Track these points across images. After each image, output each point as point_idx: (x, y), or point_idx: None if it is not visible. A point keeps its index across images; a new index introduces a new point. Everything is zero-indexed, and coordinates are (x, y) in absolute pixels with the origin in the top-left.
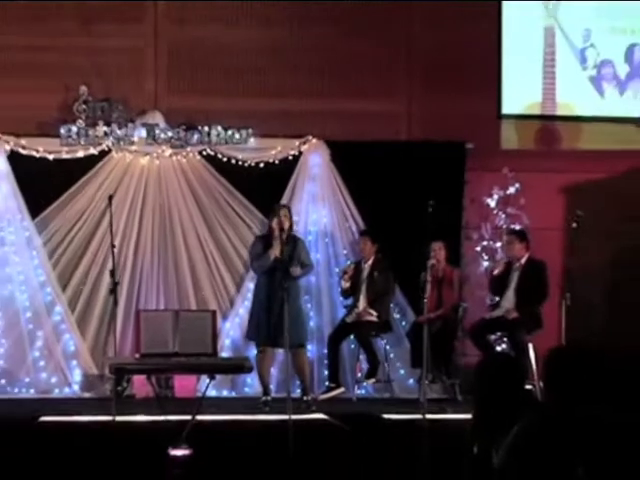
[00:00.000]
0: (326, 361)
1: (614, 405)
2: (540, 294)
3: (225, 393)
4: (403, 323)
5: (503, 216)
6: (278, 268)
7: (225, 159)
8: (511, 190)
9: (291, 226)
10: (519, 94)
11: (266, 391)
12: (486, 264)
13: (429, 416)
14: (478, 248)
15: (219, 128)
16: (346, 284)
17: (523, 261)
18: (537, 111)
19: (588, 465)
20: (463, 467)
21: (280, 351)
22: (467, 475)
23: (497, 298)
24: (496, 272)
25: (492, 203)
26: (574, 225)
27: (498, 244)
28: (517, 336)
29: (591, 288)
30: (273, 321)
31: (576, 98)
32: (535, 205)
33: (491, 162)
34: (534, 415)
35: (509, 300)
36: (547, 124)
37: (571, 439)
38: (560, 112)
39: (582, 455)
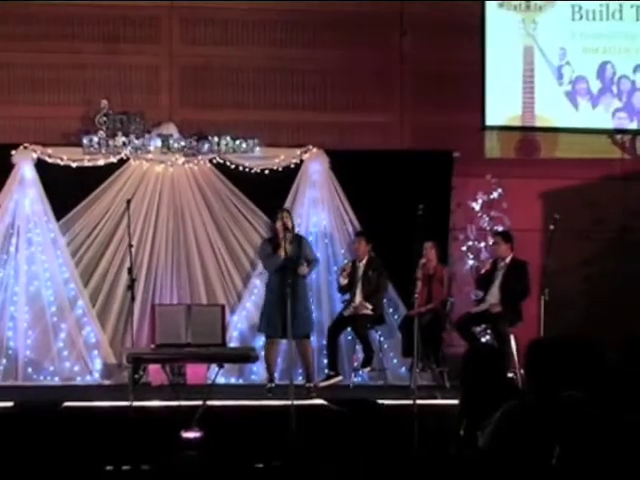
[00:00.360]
0: (325, 351)
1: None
2: (522, 291)
3: (233, 380)
4: (395, 317)
5: (487, 219)
6: (287, 266)
7: (233, 166)
8: (494, 195)
9: (293, 226)
10: (501, 107)
11: (271, 378)
12: (471, 262)
13: (419, 401)
14: (464, 248)
15: (228, 138)
16: (344, 281)
17: (508, 260)
18: (518, 123)
19: (564, 446)
20: (450, 448)
21: (284, 341)
22: (454, 455)
23: (481, 293)
24: (483, 271)
25: (477, 207)
26: (551, 227)
27: (482, 244)
28: (500, 328)
29: (567, 284)
30: (284, 314)
31: (553, 111)
32: (516, 208)
33: (476, 169)
34: (515, 401)
35: (494, 295)
36: (527, 135)
37: (549, 423)
38: (538, 124)
39: (559, 437)
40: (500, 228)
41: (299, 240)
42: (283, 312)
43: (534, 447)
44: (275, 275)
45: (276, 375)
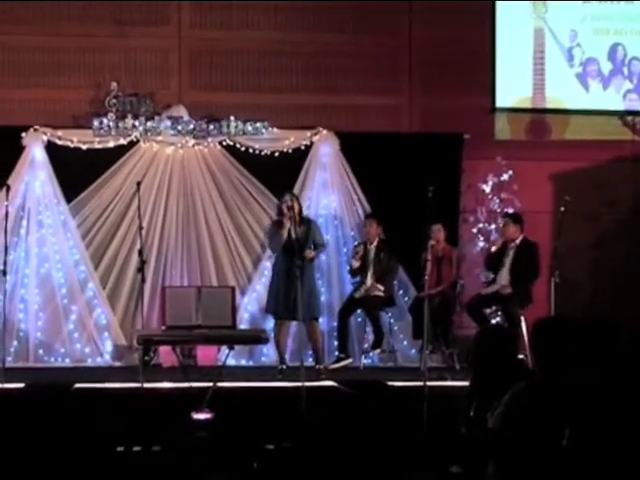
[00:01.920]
0: (336, 333)
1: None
2: (532, 273)
3: (243, 362)
4: (406, 298)
5: (497, 201)
6: (293, 248)
7: (243, 149)
8: (504, 177)
9: (300, 209)
10: (511, 89)
11: (282, 360)
12: (482, 244)
13: (429, 383)
14: (474, 230)
15: (237, 120)
16: (356, 263)
17: (518, 242)
18: (528, 105)
19: (574, 426)
20: (460, 429)
21: (295, 323)
22: (464, 436)
23: (491, 275)
24: (493, 249)
25: (487, 189)
26: (562, 209)
27: (493, 226)
28: (510, 310)
29: (577, 266)
30: (290, 296)
31: (564, 93)
32: (526, 190)
33: (486, 151)
34: (525, 382)
35: (504, 277)
36: (537, 117)
37: (558, 403)
38: (549, 106)
39: (568, 417)
40: (510, 210)
41: (308, 224)
42: (288, 294)
43: (544, 428)
44: (280, 257)
45: (286, 357)
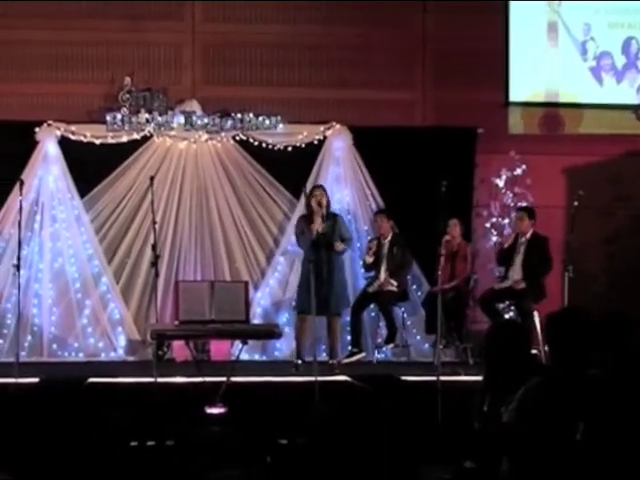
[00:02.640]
0: (349, 328)
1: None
2: (545, 266)
3: (257, 357)
4: (419, 293)
5: (510, 195)
6: (322, 243)
7: (256, 143)
8: (518, 171)
9: (328, 203)
10: (525, 83)
11: (299, 355)
12: (495, 239)
13: (443, 378)
14: (487, 224)
15: (251, 115)
16: (370, 259)
17: (528, 236)
18: (541, 99)
19: (588, 421)
20: (474, 424)
21: (311, 317)
22: (477, 431)
23: (503, 270)
24: (506, 245)
25: (500, 183)
26: (575, 203)
27: (506, 221)
28: (524, 305)
29: (590, 260)
30: (321, 291)
31: (577, 87)
32: (539, 185)
33: (499, 146)
34: (539, 377)
35: (516, 272)
36: (550, 111)
37: (572, 398)
38: (562, 100)
39: (582, 412)
40: (524, 204)
41: (334, 218)
42: (319, 289)
43: (558, 422)
44: (308, 252)
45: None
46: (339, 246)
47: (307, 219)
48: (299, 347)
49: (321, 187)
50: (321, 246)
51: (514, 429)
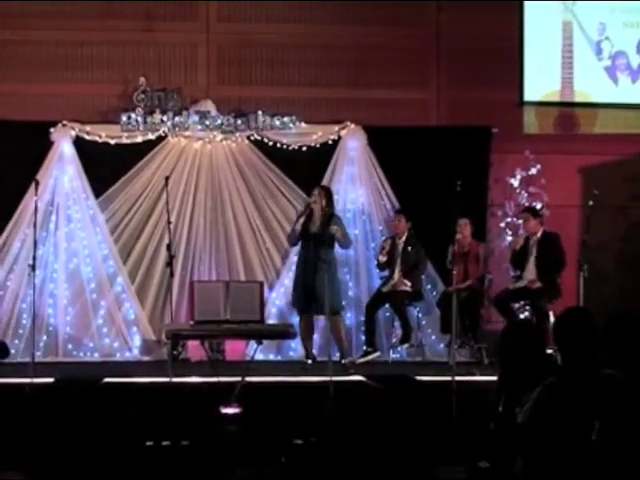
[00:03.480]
0: (363, 327)
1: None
2: (558, 263)
3: (271, 357)
4: (434, 293)
5: (525, 195)
6: (314, 242)
7: (271, 143)
8: (532, 171)
9: (328, 204)
10: (539, 83)
11: (307, 355)
12: (510, 239)
13: (458, 378)
14: (502, 224)
15: (265, 115)
16: (383, 258)
17: (539, 235)
18: (556, 98)
19: (603, 420)
20: (489, 424)
21: (321, 318)
22: (492, 431)
23: (518, 271)
24: (517, 247)
25: (515, 183)
26: (590, 203)
27: (521, 220)
28: (539, 304)
29: (605, 260)
30: (309, 290)
31: (592, 86)
32: (554, 184)
33: (514, 145)
34: (554, 377)
35: (530, 271)
36: (565, 110)
37: (586, 398)
38: (577, 99)
39: (597, 412)
40: (539, 204)
41: (330, 218)
42: (307, 288)
43: (573, 423)
44: (301, 251)
45: (315, 351)
46: (333, 229)
47: (298, 217)
48: (305, 347)
49: (320, 187)
50: (310, 246)
51: (529, 429)
